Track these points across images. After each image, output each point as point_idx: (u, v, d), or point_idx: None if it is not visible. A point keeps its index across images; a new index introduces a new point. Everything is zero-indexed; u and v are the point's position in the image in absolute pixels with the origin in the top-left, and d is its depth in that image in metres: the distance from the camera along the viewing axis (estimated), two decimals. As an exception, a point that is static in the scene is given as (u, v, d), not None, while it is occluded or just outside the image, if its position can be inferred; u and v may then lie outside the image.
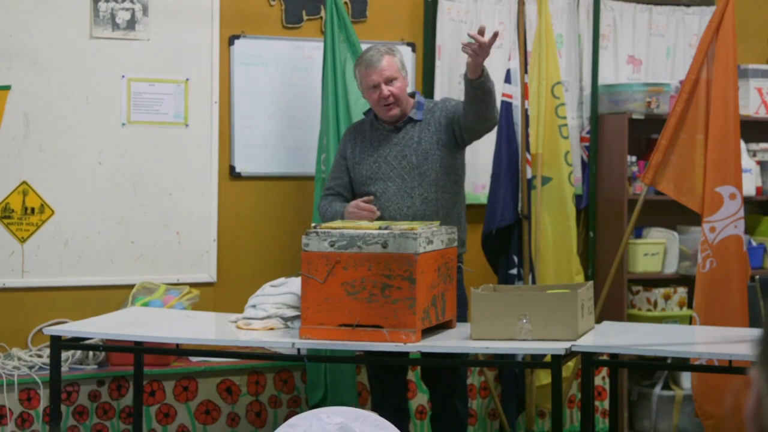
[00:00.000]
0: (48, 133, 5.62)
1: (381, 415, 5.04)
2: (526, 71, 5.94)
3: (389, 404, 5.13)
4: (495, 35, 4.61)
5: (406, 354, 4.66)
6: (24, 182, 5.61)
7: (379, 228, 4.41)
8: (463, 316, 4.81)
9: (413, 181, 5.00)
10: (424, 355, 4.54)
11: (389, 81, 4.99)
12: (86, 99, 5.68)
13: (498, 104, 5.95)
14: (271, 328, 4.62)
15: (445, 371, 5.09)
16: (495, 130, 5.95)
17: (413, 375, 5.85)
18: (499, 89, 6.03)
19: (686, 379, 6.29)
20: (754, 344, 1.38)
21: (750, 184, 6.43)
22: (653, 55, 6.74)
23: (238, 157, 5.96)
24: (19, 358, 5.45)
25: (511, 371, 5.97)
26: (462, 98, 6.38)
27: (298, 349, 4.51)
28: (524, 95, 5.93)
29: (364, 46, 5.78)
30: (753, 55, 6.91)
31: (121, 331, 4.78)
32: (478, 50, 4.61)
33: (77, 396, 5.37)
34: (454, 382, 5.12)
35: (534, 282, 5.90)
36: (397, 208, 4.97)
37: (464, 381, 5.23)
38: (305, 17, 6.07)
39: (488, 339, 4.39)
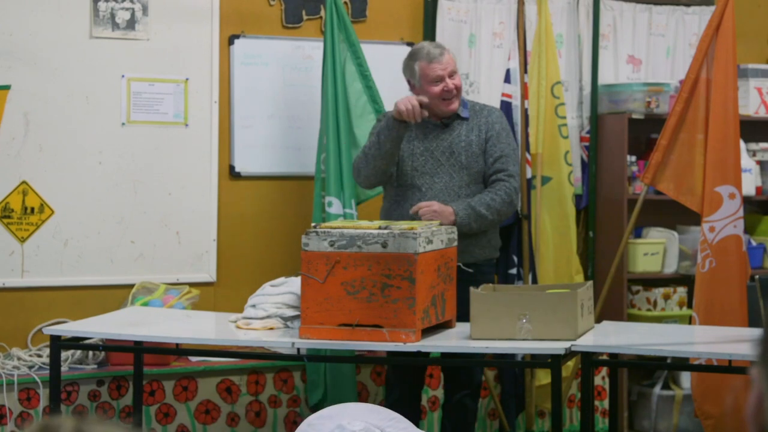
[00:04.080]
0: (48, 132, 5.62)
1: (397, 412, 5.07)
2: (525, 71, 5.94)
3: (405, 401, 5.13)
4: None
5: (424, 354, 4.68)
6: (24, 182, 5.61)
7: (379, 228, 4.42)
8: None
9: (461, 179, 5.02)
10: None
11: (452, 74, 5.04)
12: (86, 99, 5.68)
13: (498, 106, 5.98)
14: (271, 328, 4.62)
15: (464, 369, 5.13)
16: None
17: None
18: (499, 89, 6.04)
19: (686, 378, 6.29)
20: (755, 344, 1.39)
21: (750, 184, 6.43)
22: (653, 55, 6.74)
23: (237, 156, 5.96)
24: (19, 358, 5.45)
25: (510, 371, 5.97)
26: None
27: (298, 349, 4.51)
28: (524, 95, 5.92)
29: (363, 46, 5.79)
30: (753, 54, 6.91)
31: (120, 330, 4.78)
32: (433, 215, 4.83)
33: (77, 396, 5.37)
34: (470, 380, 5.15)
35: (534, 282, 5.90)
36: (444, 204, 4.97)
37: (479, 380, 5.25)
38: (305, 17, 6.07)
39: (488, 339, 4.39)
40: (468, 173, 5.05)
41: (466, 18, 6.30)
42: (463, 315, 4.65)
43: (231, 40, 5.93)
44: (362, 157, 5.07)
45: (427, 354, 4.75)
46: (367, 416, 3.63)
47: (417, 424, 5.22)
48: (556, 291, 4.55)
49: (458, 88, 5.04)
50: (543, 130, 6.05)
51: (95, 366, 5.49)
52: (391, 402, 5.18)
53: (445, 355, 4.83)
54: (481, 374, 5.32)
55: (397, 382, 5.20)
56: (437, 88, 5.00)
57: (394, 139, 4.94)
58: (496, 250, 5.23)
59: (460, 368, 5.14)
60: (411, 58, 5.11)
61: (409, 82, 5.14)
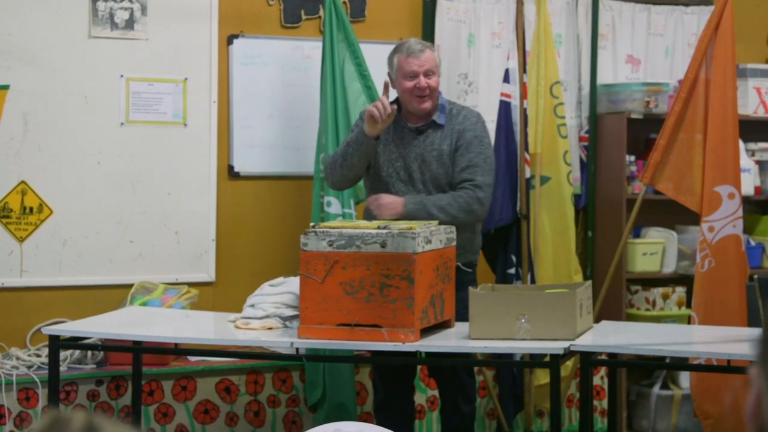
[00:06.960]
0: (47, 132, 5.61)
1: (383, 415, 5.06)
2: (524, 71, 5.94)
3: (392, 404, 5.10)
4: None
5: (412, 354, 4.63)
6: (23, 182, 5.60)
7: (378, 227, 4.41)
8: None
9: (431, 188, 4.94)
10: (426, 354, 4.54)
11: (428, 74, 4.97)
12: (85, 98, 5.68)
13: (497, 106, 5.98)
14: (270, 328, 4.62)
15: (448, 372, 5.09)
16: (494, 128, 5.96)
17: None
18: (498, 89, 6.03)
19: (685, 378, 6.29)
20: (754, 344, 1.39)
21: (749, 184, 6.43)
22: (652, 55, 6.74)
23: (236, 156, 5.96)
24: (18, 358, 5.45)
25: (509, 371, 5.97)
26: (457, 97, 6.36)
27: (297, 349, 4.51)
28: (523, 95, 5.92)
29: (363, 46, 5.79)
30: (752, 54, 6.91)
31: (119, 330, 4.78)
32: (378, 208, 4.85)
33: (76, 396, 5.36)
34: (457, 382, 5.10)
35: (533, 282, 5.89)
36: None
37: (469, 381, 5.20)
38: (304, 17, 6.07)
39: (487, 338, 4.39)
40: (437, 183, 4.95)
41: (465, 18, 6.30)
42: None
43: (230, 39, 5.92)
44: (331, 164, 5.04)
45: (412, 354, 4.68)
46: (362, 426, 3.66)
47: (410, 427, 5.21)
48: (554, 291, 4.55)
49: (432, 88, 4.96)
50: (542, 129, 6.05)
51: (94, 366, 5.48)
52: (377, 404, 5.15)
53: (430, 355, 4.73)
54: (470, 377, 5.25)
55: (384, 383, 5.15)
56: (410, 84, 4.95)
57: (362, 154, 4.90)
58: (473, 254, 5.08)
59: (450, 372, 5.08)
60: (393, 51, 5.09)
61: (389, 75, 5.08)
